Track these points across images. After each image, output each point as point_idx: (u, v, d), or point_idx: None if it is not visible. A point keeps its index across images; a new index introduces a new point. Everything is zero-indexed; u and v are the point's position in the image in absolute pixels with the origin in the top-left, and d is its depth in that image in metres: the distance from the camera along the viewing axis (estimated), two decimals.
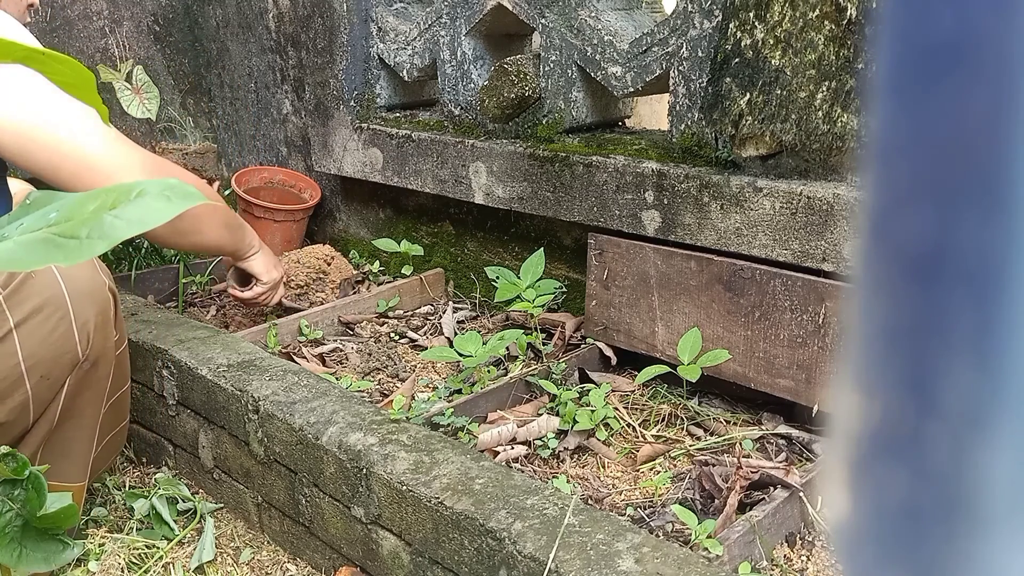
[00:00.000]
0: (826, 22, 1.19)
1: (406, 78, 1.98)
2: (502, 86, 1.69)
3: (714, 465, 1.24)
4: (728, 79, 1.30)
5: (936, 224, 0.16)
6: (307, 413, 1.22)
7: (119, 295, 1.27)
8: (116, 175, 1.20)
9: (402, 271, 2.02)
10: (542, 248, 1.68)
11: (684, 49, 1.44)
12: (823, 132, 1.24)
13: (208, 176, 2.18)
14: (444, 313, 1.88)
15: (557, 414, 1.39)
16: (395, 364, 1.67)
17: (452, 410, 1.38)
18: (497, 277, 1.66)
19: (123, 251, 2.06)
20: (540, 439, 1.34)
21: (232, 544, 1.35)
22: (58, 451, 1.23)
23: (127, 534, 1.35)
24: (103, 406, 1.27)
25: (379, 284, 2.01)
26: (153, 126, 2.22)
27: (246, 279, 1.71)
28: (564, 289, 1.76)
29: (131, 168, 1.22)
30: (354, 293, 1.95)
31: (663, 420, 1.43)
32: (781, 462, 1.27)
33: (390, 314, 1.89)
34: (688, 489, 1.23)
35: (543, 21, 1.64)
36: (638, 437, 1.39)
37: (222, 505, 1.43)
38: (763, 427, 1.38)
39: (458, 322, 1.85)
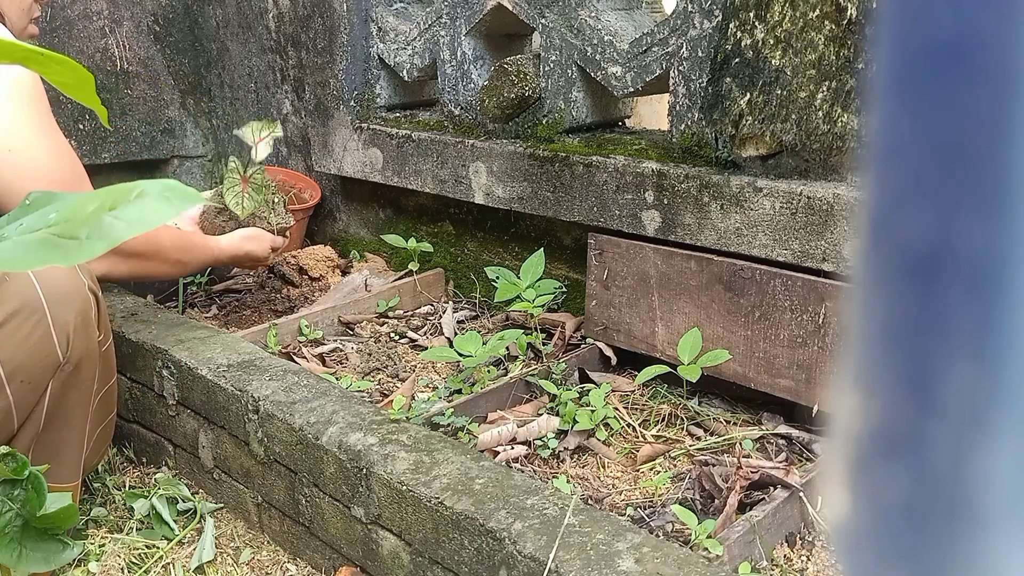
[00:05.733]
0: (826, 22, 1.19)
1: (406, 78, 1.98)
2: (502, 86, 1.69)
3: (714, 465, 1.24)
4: (728, 79, 1.30)
5: (936, 224, 0.16)
6: (307, 413, 1.22)
7: (102, 294, 1.26)
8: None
9: (408, 268, 2.01)
10: (542, 248, 1.67)
11: (684, 49, 1.44)
12: (823, 132, 1.24)
13: None
14: (444, 313, 1.88)
15: (557, 414, 1.39)
16: (395, 364, 1.67)
17: (452, 410, 1.38)
18: (497, 277, 1.66)
19: None
20: (540, 439, 1.34)
21: (232, 544, 1.35)
22: (49, 453, 1.22)
23: (127, 534, 1.35)
24: (91, 405, 1.26)
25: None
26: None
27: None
28: (564, 289, 1.76)
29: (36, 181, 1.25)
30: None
31: (663, 420, 1.43)
32: (781, 462, 1.27)
33: (390, 314, 1.88)
34: (688, 489, 1.23)
35: (543, 21, 1.64)
36: (638, 437, 1.39)
37: (222, 505, 1.43)
38: (763, 427, 1.38)
39: (458, 322, 1.85)
